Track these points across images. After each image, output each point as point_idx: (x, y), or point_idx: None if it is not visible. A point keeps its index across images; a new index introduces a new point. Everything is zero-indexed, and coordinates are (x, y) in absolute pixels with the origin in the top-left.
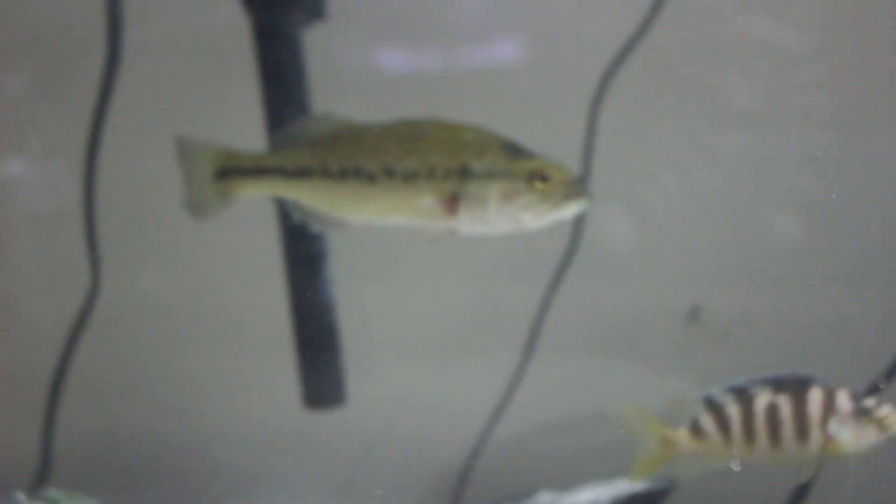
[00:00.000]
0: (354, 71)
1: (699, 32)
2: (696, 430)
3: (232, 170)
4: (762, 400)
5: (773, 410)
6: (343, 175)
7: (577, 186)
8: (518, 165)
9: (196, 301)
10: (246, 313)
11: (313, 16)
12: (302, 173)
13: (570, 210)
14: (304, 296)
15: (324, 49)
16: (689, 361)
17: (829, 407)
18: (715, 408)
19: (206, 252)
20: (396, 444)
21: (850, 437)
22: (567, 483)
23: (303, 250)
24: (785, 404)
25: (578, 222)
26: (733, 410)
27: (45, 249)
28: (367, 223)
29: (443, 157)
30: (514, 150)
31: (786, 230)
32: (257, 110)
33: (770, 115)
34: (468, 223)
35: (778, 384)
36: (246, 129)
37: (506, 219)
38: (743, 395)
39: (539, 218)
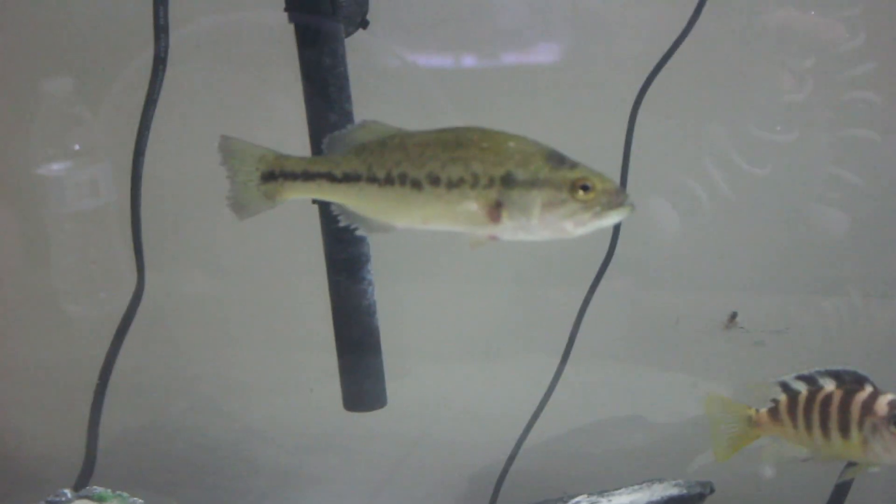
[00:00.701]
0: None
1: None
2: (774, 412)
3: (280, 173)
4: (823, 391)
5: (826, 403)
6: (389, 181)
7: (619, 196)
8: (561, 175)
9: (239, 302)
10: (288, 315)
11: (358, 24)
12: (349, 178)
13: (611, 219)
14: (345, 299)
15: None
16: (724, 367)
17: (868, 408)
18: (789, 392)
19: (250, 254)
20: (434, 447)
21: (880, 444)
22: (603, 487)
23: (344, 254)
24: (836, 398)
25: (616, 227)
26: (801, 397)
27: (90, 249)
28: (411, 228)
29: (487, 165)
30: (557, 160)
31: (828, 234)
32: (301, 115)
33: (817, 112)
34: (510, 230)
35: (839, 377)
36: (289, 135)
37: (547, 227)
38: (810, 384)
39: (580, 226)
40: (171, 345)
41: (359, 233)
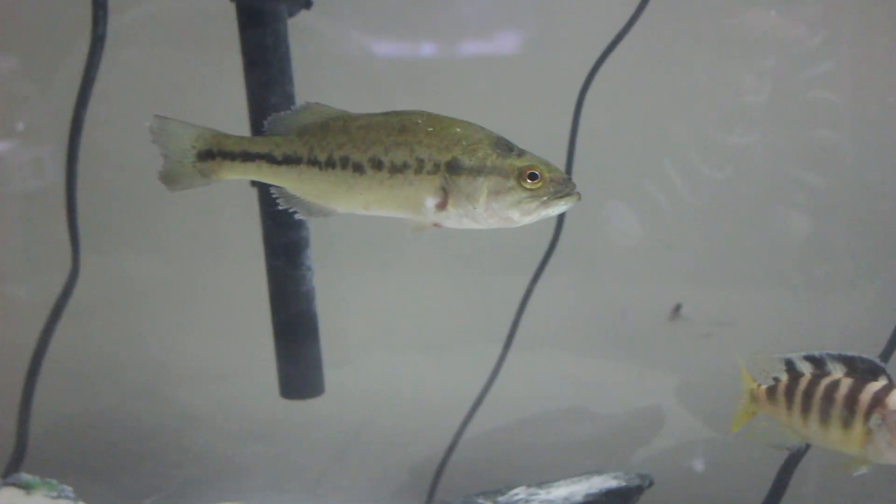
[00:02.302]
0: (344, 55)
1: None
2: (772, 390)
3: (218, 151)
4: (830, 376)
5: (832, 389)
6: (330, 164)
7: (566, 186)
8: (508, 163)
9: (176, 287)
10: (227, 300)
11: (301, 4)
12: (289, 160)
13: (558, 208)
14: (283, 284)
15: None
16: (670, 359)
17: (878, 400)
18: (793, 371)
19: (189, 237)
20: (375, 436)
21: (884, 440)
22: (544, 478)
23: (283, 238)
24: (844, 386)
25: (561, 217)
26: (804, 380)
27: (32, 230)
28: (353, 213)
29: (432, 150)
30: (504, 147)
31: (778, 229)
32: (241, 97)
33: (769, 111)
34: (455, 218)
35: (851, 364)
36: (230, 117)
37: (493, 215)
38: (816, 366)
39: (526, 215)
40: (107, 329)
41: (298, 216)
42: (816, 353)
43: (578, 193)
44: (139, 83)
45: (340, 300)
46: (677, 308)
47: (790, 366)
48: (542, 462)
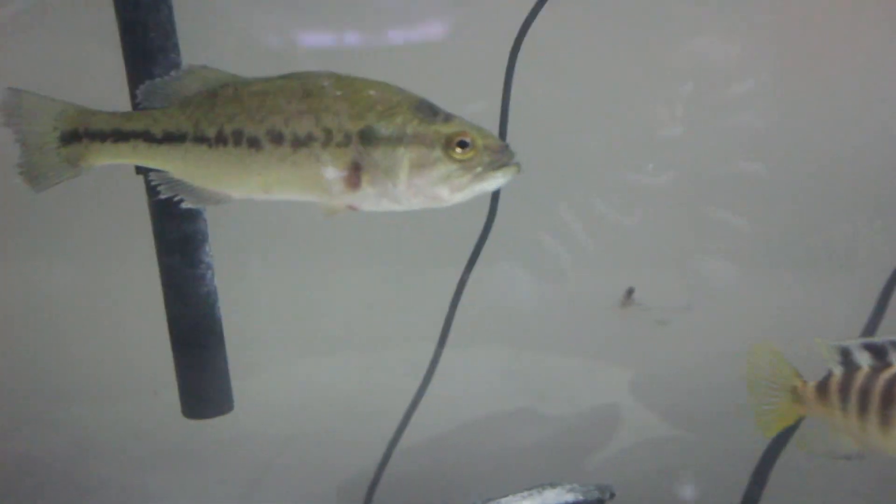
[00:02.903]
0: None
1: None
2: (822, 387)
3: (85, 132)
4: (893, 367)
5: (892, 384)
6: (221, 140)
7: (504, 154)
8: (433, 129)
9: (63, 294)
10: (120, 307)
11: None
12: (171, 138)
13: (494, 181)
14: (179, 286)
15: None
16: (623, 350)
17: None
18: (848, 364)
19: (72, 234)
20: (298, 452)
21: None
22: (491, 489)
23: (176, 232)
24: None
25: (496, 194)
26: (862, 373)
27: None
28: (251, 198)
29: (342, 118)
30: (428, 111)
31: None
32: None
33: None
34: (372, 198)
35: None
36: (106, 94)
37: (418, 193)
38: (877, 357)
39: (457, 192)
40: None
41: (185, 205)
42: (877, 340)
43: (518, 164)
44: None
45: (248, 299)
46: (629, 292)
47: (845, 356)
48: (486, 472)
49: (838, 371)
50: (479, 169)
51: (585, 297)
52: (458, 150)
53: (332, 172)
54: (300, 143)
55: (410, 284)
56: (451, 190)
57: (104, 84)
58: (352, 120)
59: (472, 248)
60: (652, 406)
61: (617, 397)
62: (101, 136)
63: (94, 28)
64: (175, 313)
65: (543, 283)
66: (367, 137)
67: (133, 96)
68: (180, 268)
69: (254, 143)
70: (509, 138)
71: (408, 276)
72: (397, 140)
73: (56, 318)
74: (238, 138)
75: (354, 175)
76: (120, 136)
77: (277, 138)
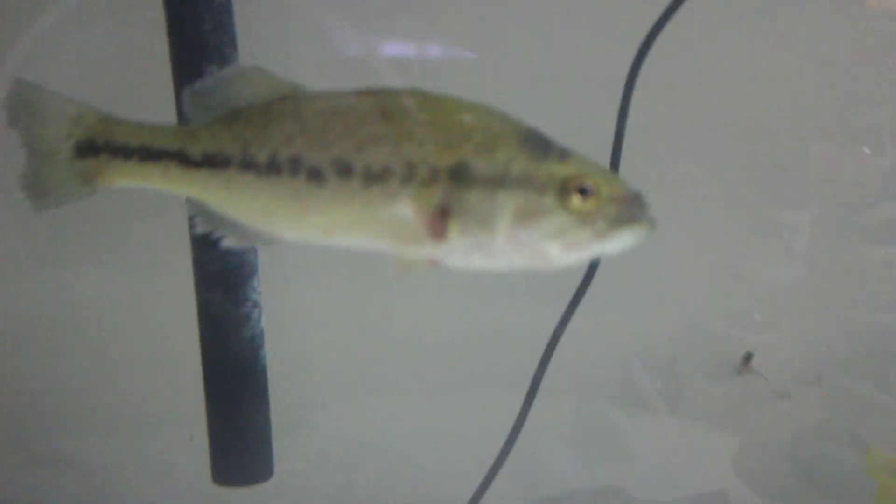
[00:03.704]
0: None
1: None
2: None
3: (105, 144)
4: None
5: None
6: (274, 168)
7: (634, 206)
8: (545, 169)
9: (76, 327)
10: (147, 346)
11: None
12: (212, 162)
13: (620, 242)
14: (218, 327)
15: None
16: (736, 421)
17: None
18: None
19: (97, 256)
20: None
21: None
22: None
23: (220, 264)
24: None
25: None
26: None
27: None
28: (307, 242)
29: (428, 149)
30: (539, 145)
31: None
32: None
33: None
34: (461, 251)
35: None
36: (150, 97)
37: (520, 249)
38: None
39: (572, 251)
40: None
41: (225, 245)
42: None
43: (652, 219)
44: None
45: (299, 341)
46: (747, 357)
47: None
48: None
49: None
50: (602, 224)
51: (694, 355)
52: (577, 198)
53: (413, 217)
54: (374, 177)
55: (492, 321)
56: (563, 248)
57: (147, 87)
58: (441, 152)
59: (575, 290)
60: (753, 485)
61: (722, 475)
62: (124, 152)
63: (141, 20)
64: (212, 359)
65: (647, 332)
66: (460, 175)
67: (178, 103)
68: (221, 305)
69: (315, 175)
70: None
71: (491, 311)
72: (499, 181)
73: (68, 356)
74: (295, 167)
75: (441, 222)
76: (148, 155)
77: (345, 170)
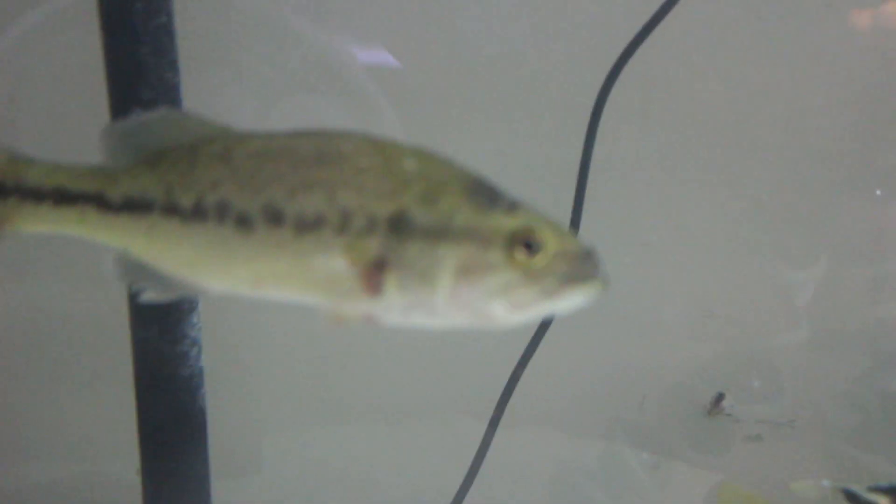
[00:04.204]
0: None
1: None
2: None
3: (15, 186)
4: None
5: None
6: (199, 214)
7: (586, 263)
8: (492, 221)
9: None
10: (78, 386)
11: None
12: (133, 206)
13: (569, 301)
14: (154, 367)
15: None
16: (703, 462)
17: None
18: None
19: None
20: None
21: None
22: None
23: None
24: None
25: None
26: None
27: None
28: (235, 293)
29: (367, 196)
30: (486, 195)
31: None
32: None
33: None
34: (399, 308)
35: None
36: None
37: (463, 308)
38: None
39: (518, 311)
40: None
41: (146, 298)
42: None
43: (604, 278)
44: None
45: (240, 374)
46: (719, 398)
47: (853, 500)
48: None
49: None
50: (551, 282)
51: (663, 396)
52: (524, 253)
53: (347, 270)
54: (306, 226)
55: (457, 348)
56: (509, 307)
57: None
58: (380, 200)
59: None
60: None
61: None
62: (36, 195)
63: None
64: (146, 402)
65: (616, 365)
66: (400, 226)
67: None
68: (157, 344)
69: (243, 222)
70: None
71: (456, 337)
72: (440, 233)
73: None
74: (222, 213)
75: (377, 276)
76: (63, 198)
77: (275, 217)
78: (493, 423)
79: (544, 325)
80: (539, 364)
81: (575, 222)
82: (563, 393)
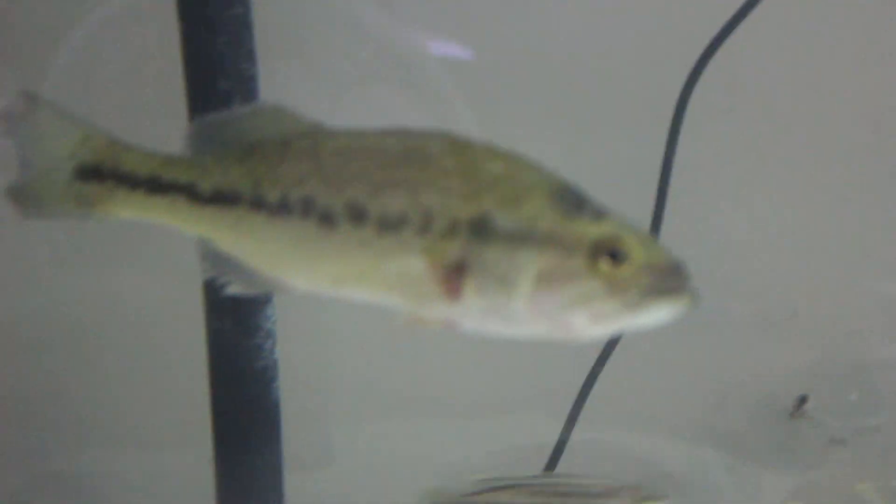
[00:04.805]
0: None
1: None
2: None
3: (111, 171)
4: None
5: None
6: (284, 209)
7: (673, 277)
8: (576, 228)
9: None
10: (151, 375)
11: None
12: (222, 198)
13: (654, 315)
14: (227, 358)
15: None
16: (786, 466)
17: None
18: None
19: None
20: None
21: None
22: None
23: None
24: None
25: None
26: None
27: None
28: (317, 292)
29: (449, 198)
30: (572, 201)
31: None
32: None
33: None
34: (477, 313)
35: None
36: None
37: (541, 316)
38: None
39: (599, 323)
40: None
41: (232, 291)
42: None
43: (693, 292)
44: None
45: (316, 366)
46: (802, 400)
47: None
48: None
49: None
50: (635, 294)
51: (745, 396)
52: (608, 263)
53: (427, 272)
54: (388, 225)
55: (532, 347)
56: (589, 319)
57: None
58: (463, 202)
59: None
60: None
61: None
62: (131, 182)
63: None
64: (219, 393)
65: (702, 364)
66: (481, 229)
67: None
68: (231, 335)
69: (326, 219)
70: None
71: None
72: (523, 238)
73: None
74: (306, 209)
75: (456, 279)
76: (157, 187)
77: (358, 216)
78: (570, 422)
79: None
80: (619, 363)
81: (657, 222)
82: (643, 393)
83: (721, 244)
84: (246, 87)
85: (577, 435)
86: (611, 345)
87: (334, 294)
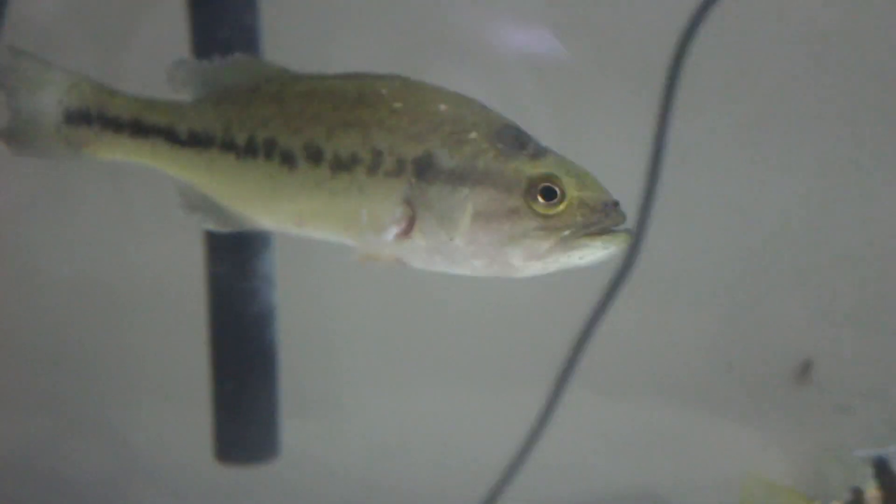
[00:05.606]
0: None
1: None
2: None
3: (98, 114)
4: None
5: None
6: (251, 150)
7: (607, 214)
8: (513, 166)
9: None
10: (148, 320)
11: None
12: (197, 141)
13: (586, 253)
14: (225, 301)
15: None
16: (788, 434)
17: None
18: (884, 476)
19: (100, 230)
20: None
21: None
22: None
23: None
24: None
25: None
26: None
27: None
28: (283, 230)
29: (397, 137)
30: (512, 140)
31: None
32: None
33: None
34: (423, 252)
35: None
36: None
37: (479, 254)
38: None
39: (534, 260)
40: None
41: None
42: None
43: (628, 231)
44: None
45: (318, 315)
46: (806, 366)
47: (881, 467)
48: None
49: (872, 486)
50: (569, 232)
51: (751, 361)
52: (542, 200)
53: (376, 210)
54: (341, 165)
55: (523, 317)
56: (524, 255)
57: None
58: (408, 142)
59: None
60: None
61: None
62: (115, 125)
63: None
64: (217, 334)
65: (693, 329)
66: (424, 168)
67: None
68: (228, 279)
69: (288, 159)
70: None
71: (518, 298)
72: (461, 176)
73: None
74: (270, 150)
75: (404, 218)
76: (139, 130)
77: (315, 155)
78: (560, 384)
79: (614, 286)
80: (625, 327)
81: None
82: (646, 357)
83: (722, 210)
84: (247, 40)
85: (578, 398)
86: (598, 312)
87: (298, 232)
